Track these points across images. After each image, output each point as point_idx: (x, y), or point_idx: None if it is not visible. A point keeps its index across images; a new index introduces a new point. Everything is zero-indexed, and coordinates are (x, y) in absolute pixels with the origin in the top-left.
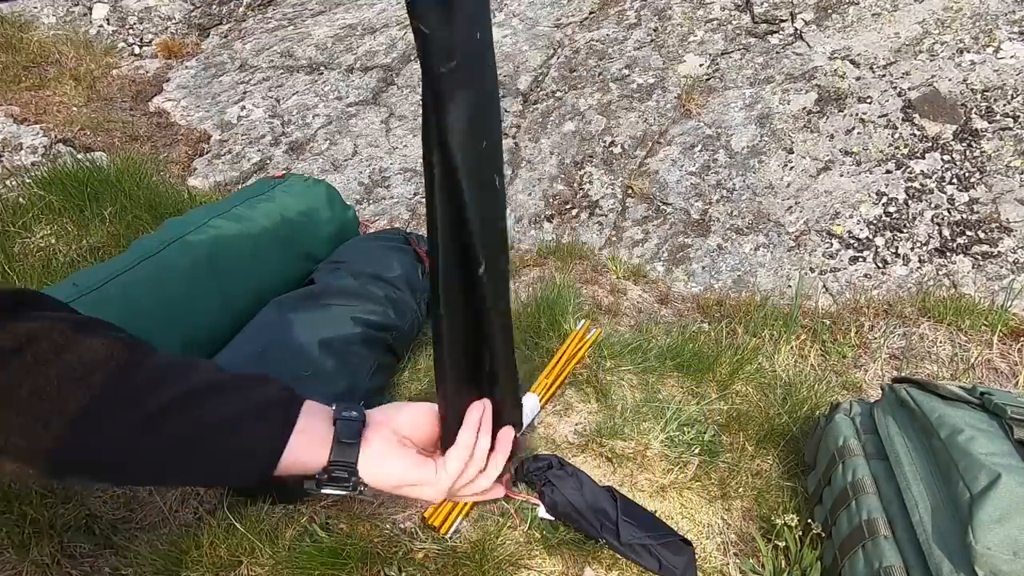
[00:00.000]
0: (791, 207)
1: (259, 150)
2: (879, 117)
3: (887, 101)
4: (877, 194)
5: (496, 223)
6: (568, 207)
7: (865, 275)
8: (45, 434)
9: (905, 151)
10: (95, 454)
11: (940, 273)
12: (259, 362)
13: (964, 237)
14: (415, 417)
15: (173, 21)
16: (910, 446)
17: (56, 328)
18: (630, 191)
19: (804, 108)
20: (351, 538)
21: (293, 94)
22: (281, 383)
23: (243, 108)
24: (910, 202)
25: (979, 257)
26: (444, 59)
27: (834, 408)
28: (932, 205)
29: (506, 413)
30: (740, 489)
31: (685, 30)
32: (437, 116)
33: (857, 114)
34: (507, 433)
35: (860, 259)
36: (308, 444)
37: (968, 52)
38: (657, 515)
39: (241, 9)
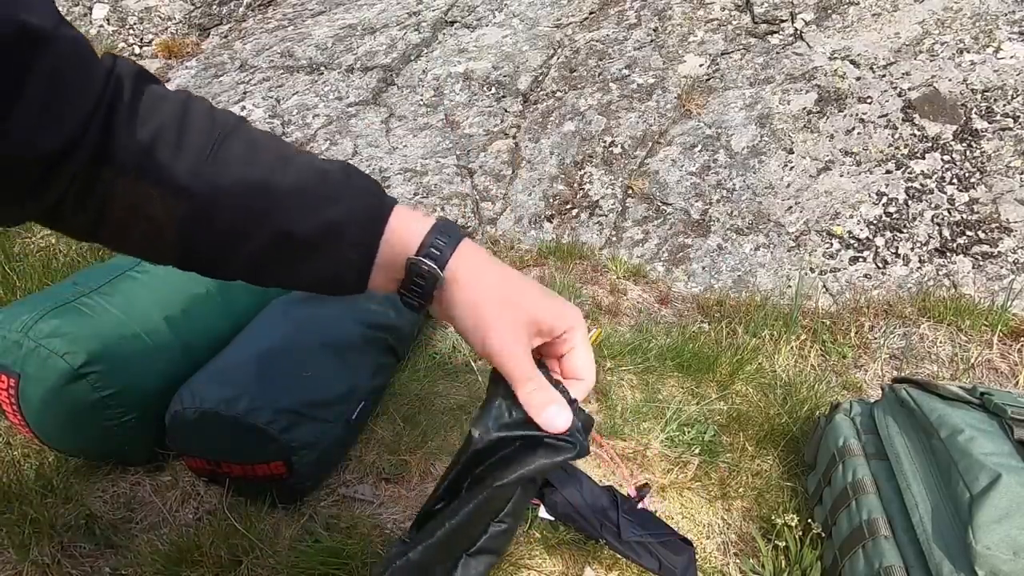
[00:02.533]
0: (791, 207)
1: None
2: (879, 117)
3: (887, 101)
4: (877, 194)
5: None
6: (568, 207)
7: (865, 275)
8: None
9: (905, 151)
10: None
11: (940, 273)
12: (260, 362)
13: (964, 237)
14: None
15: (173, 21)
16: (910, 446)
17: (118, 186)
18: (630, 191)
19: (804, 108)
20: (351, 538)
21: (293, 94)
22: (370, 192)
23: (243, 108)
24: (910, 202)
25: (979, 257)
26: None
27: (834, 408)
28: (932, 205)
29: None
30: (740, 489)
31: (685, 30)
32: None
33: (857, 114)
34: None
35: (860, 259)
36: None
37: (968, 52)
38: (657, 515)
39: (241, 9)
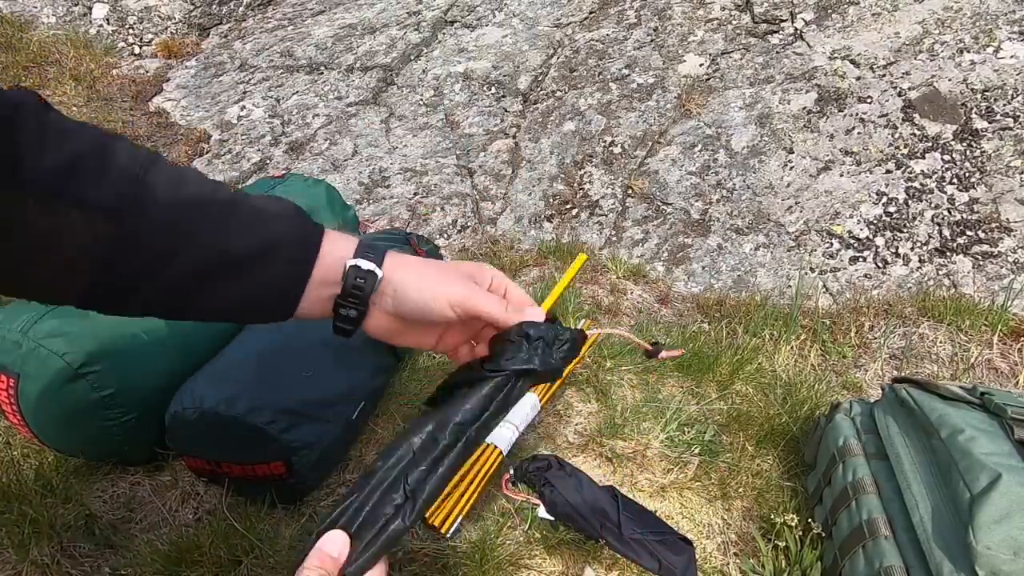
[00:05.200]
0: (791, 207)
1: (259, 150)
2: (879, 117)
3: (887, 101)
4: (877, 194)
5: None
6: (568, 207)
7: (865, 275)
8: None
9: (905, 151)
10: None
11: (940, 273)
12: (260, 362)
13: (964, 237)
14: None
15: (173, 21)
16: (910, 446)
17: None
18: (630, 191)
19: (804, 108)
20: None
21: (293, 94)
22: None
23: (243, 108)
24: (910, 202)
25: (979, 257)
26: None
27: (834, 408)
28: (932, 205)
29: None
30: (740, 489)
31: (685, 30)
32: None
33: (857, 114)
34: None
35: (860, 259)
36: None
37: (968, 52)
38: (657, 515)
39: (241, 9)
